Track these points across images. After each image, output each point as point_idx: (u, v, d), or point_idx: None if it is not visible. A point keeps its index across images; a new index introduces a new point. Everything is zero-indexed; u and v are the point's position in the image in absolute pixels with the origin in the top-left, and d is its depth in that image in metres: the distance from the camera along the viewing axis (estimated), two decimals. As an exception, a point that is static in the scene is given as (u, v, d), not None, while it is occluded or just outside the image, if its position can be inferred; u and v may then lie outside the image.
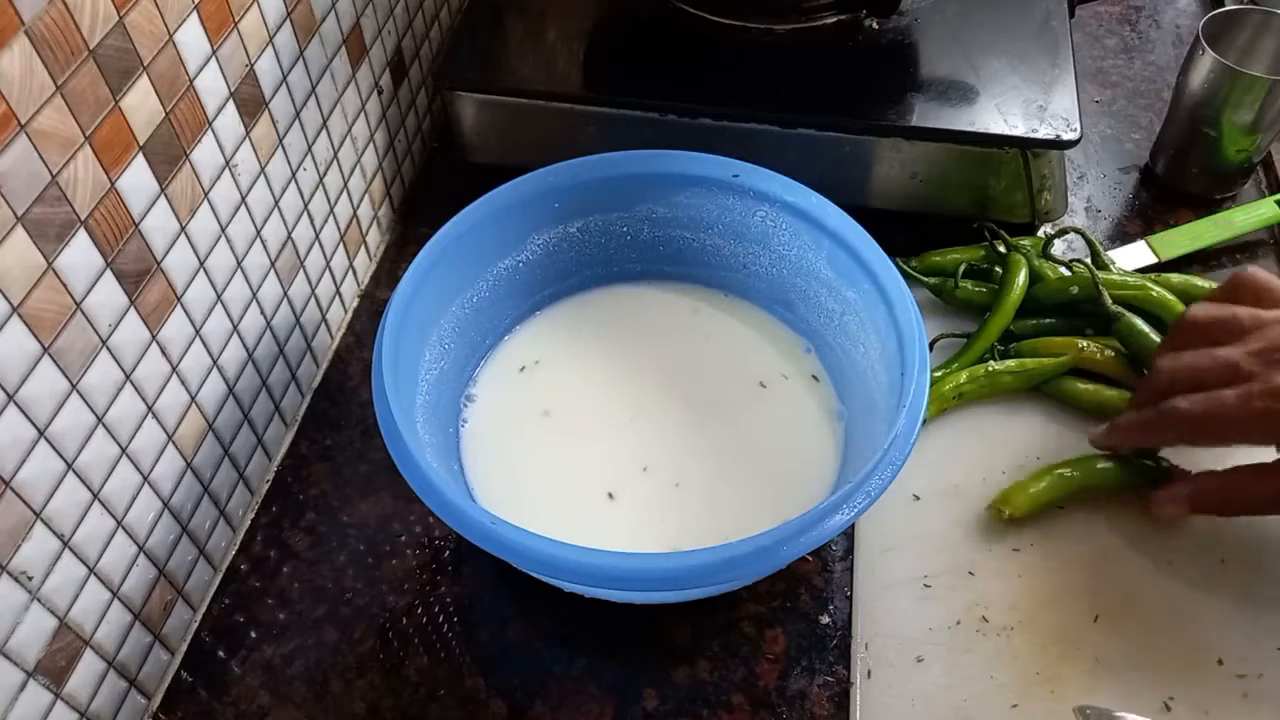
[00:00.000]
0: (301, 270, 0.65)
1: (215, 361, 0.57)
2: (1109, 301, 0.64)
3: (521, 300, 0.66)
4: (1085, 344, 0.64)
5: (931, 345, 0.64)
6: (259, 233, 0.59)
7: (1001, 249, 0.70)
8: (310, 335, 0.67)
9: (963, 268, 0.69)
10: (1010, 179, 0.71)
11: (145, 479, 0.52)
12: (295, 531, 0.62)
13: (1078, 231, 0.68)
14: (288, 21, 0.58)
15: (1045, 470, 0.60)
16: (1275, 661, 0.55)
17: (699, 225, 0.65)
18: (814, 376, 0.63)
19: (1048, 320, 0.67)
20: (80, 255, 0.45)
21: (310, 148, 0.63)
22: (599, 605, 0.56)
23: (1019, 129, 0.68)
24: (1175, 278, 0.67)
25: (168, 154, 0.50)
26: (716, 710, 0.55)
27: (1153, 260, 0.72)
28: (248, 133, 0.56)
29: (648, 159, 0.63)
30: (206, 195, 0.53)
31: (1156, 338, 0.63)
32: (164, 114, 0.49)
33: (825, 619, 0.58)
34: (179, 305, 0.53)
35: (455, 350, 0.61)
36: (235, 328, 0.58)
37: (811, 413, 0.62)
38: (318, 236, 0.66)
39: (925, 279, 0.69)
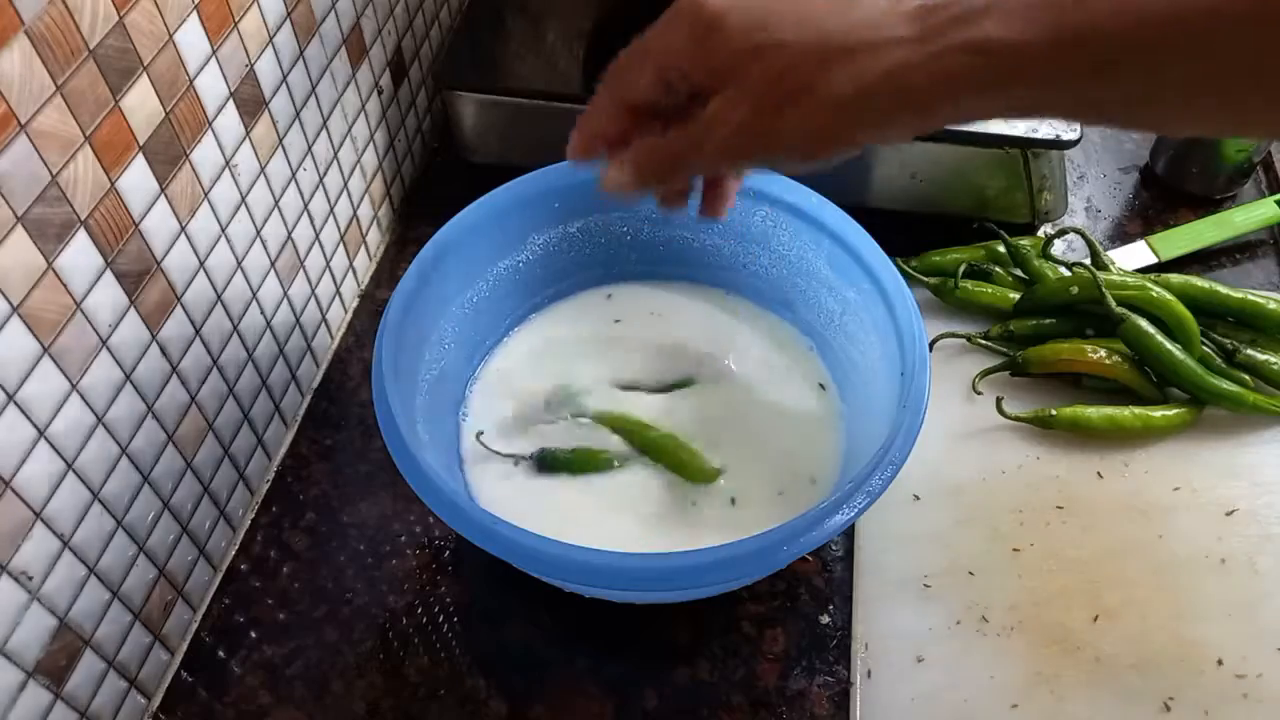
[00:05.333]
0: (301, 270, 0.65)
1: (215, 361, 0.57)
2: (1113, 304, 0.64)
3: (521, 300, 0.66)
4: (1090, 347, 0.64)
5: (931, 345, 0.64)
6: (259, 233, 0.59)
7: (1001, 249, 0.70)
8: (310, 335, 0.67)
9: (963, 268, 0.69)
10: (1010, 179, 0.71)
11: (145, 479, 0.52)
12: (295, 531, 0.62)
13: (1077, 232, 0.69)
14: (288, 21, 0.58)
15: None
16: (1275, 661, 0.55)
17: (699, 225, 0.65)
18: (817, 380, 0.63)
19: (1048, 320, 0.67)
20: (80, 255, 0.45)
21: (310, 148, 0.63)
22: (599, 605, 0.56)
23: (1019, 129, 0.68)
24: (1175, 278, 0.67)
25: (168, 154, 0.50)
26: (716, 710, 0.55)
27: (1153, 260, 0.72)
28: (248, 133, 0.56)
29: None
30: (206, 195, 0.53)
31: (1162, 339, 0.63)
32: (164, 114, 0.49)
33: (825, 619, 0.58)
34: (179, 305, 0.53)
35: (455, 350, 0.61)
36: (235, 328, 0.58)
37: (812, 412, 0.62)
38: (318, 236, 0.66)
39: (925, 279, 0.69)
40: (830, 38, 0.40)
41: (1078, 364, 0.64)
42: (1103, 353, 0.64)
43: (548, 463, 0.59)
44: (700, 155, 0.45)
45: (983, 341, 0.67)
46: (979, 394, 0.64)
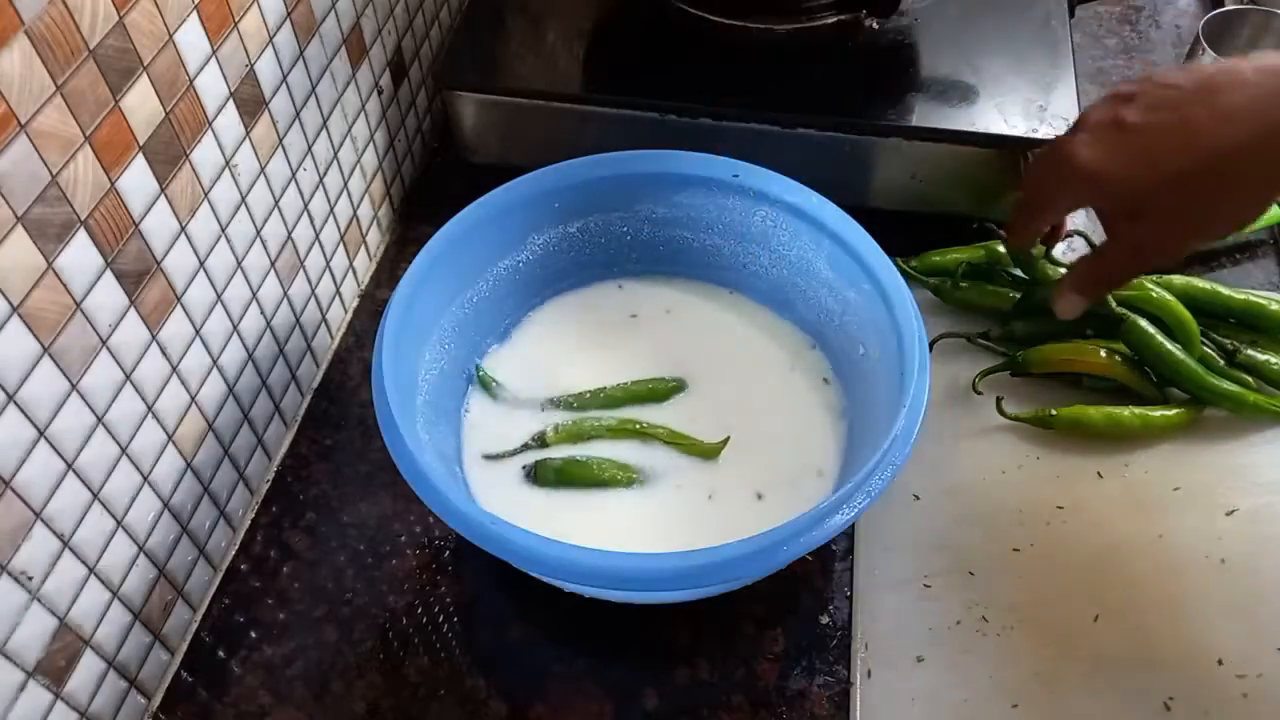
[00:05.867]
0: (301, 270, 0.65)
1: (215, 361, 0.57)
2: (1113, 304, 0.64)
3: (521, 300, 0.66)
4: (1091, 347, 0.64)
5: (931, 345, 0.64)
6: (259, 233, 0.59)
7: (1001, 248, 0.70)
8: (310, 335, 0.67)
9: (962, 268, 0.69)
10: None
11: (145, 479, 0.52)
12: (295, 531, 0.62)
13: (1079, 234, 0.69)
14: (288, 21, 0.58)
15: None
16: (1275, 661, 0.55)
17: (699, 225, 0.65)
18: (821, 377, 0.63)
19: (1048, 320, 0.66)
20: (80, 255, 0.45)
21: (310, 148, 0.63)
22: (599, 605, 0.56)
23: (1019, 129, 0.68)
24: (1177, 279, 0.67)
25: (168, 154, 0.50)
26: (716, 710, 0.55)
27: None
28: (248, 133, 0.56)
29: (648, 159, 0.63)
30: (206, 195, 0.53)
31: (1162, 339, 0.63)
32: (164, 114, 0.49)
33: (825, 619, 0.58)
34: (179, 305, 0.53)
35: (455, 350, 0.61)
36: (235, 328, 0.58)
37: (812, 412, 0.62)
38: (318, 236, 0.66)
39: (925, 278, 0.69)
40: (1217, 147, 0.46)
41: (1078, 364, 0.64)
42: (1103, 353, 0.64)
43: (548, 475, 0.59)
44: (1136, 273, 0.59)
45: (983, 342, 0.67)
46: (979, 394, 0.64)
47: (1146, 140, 0.49)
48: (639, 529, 0.57)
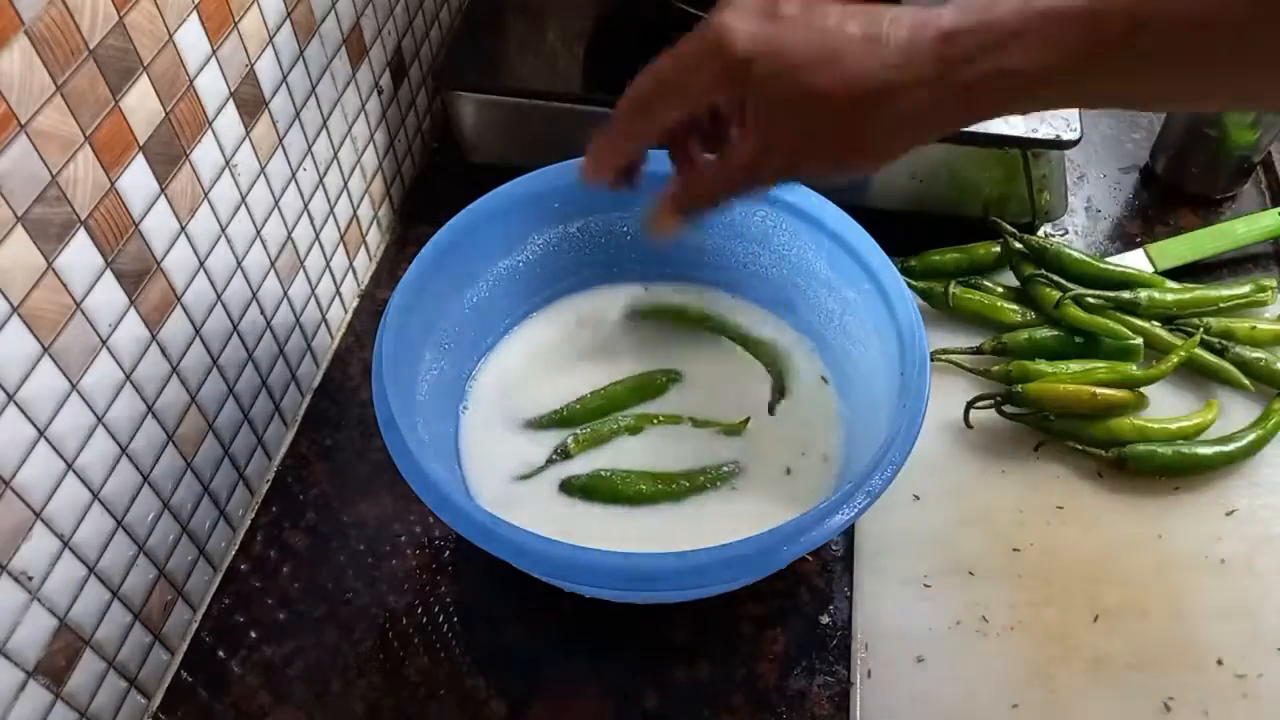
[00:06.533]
0: (301, 270, 0.65)
1: (215, 361, 0.57)
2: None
3: (521, 300, 0.66)
4: (1091, 388, 0.62)
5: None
6: (259, 233, 0.59)
7: (996, 248, 0.70)
8: (310, 335, 0.67)
9: (952, 285, 0.68)
10: (1010, 179, 0.71)
11: (145, 479, 0.52)
12: (295, 531, 0.62)
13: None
14: (288, 21, 0.58)
15: None
16: (1275, 661, 0.55)
17: (700, 225, 0.65)
18: (821, 377, 0.63)
19: (1043, 333, 0.66)
20: (80, 255, 0.45)
21: (310, 148, 0.63)
22: (599, 605, 0.56)
23: (1019, 129, 0.68)
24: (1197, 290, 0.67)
25: (168, 154, 0.50)
26: (716, 710, 0.55)
27: (1149, 270, 0.71)
28: (248, 133, 0.56)
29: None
30: (206, 195, 0.53)
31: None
32: (164, 114, 0.49)
33: (825, 619, 0.58)
34: (179, 305, 0.53)
35: (455, 350, 0.61)
36: (235, 328, 0.58)
37: (812, 411, 0.62)
38: (318, 236, 0.66)
39: (916, 284, 0.68)
40: (856, 83, 0.42)
41: (1080, 403, 0.62)
42: (1108, 390, 0.62)
43: (564, 486, 0.59)
44: (734, 193, 0.49)
45: (966, 365, 0.66)
46: (970, 427, 0.63)
47: (791, 43, 0.44)
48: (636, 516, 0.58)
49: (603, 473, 0.59)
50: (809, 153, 0.45)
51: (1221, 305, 0.67)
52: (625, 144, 0.51)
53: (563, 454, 0.60)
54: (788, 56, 0.43)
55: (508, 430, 0.62)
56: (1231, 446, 0.61)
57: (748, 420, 0.61)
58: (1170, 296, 0.67)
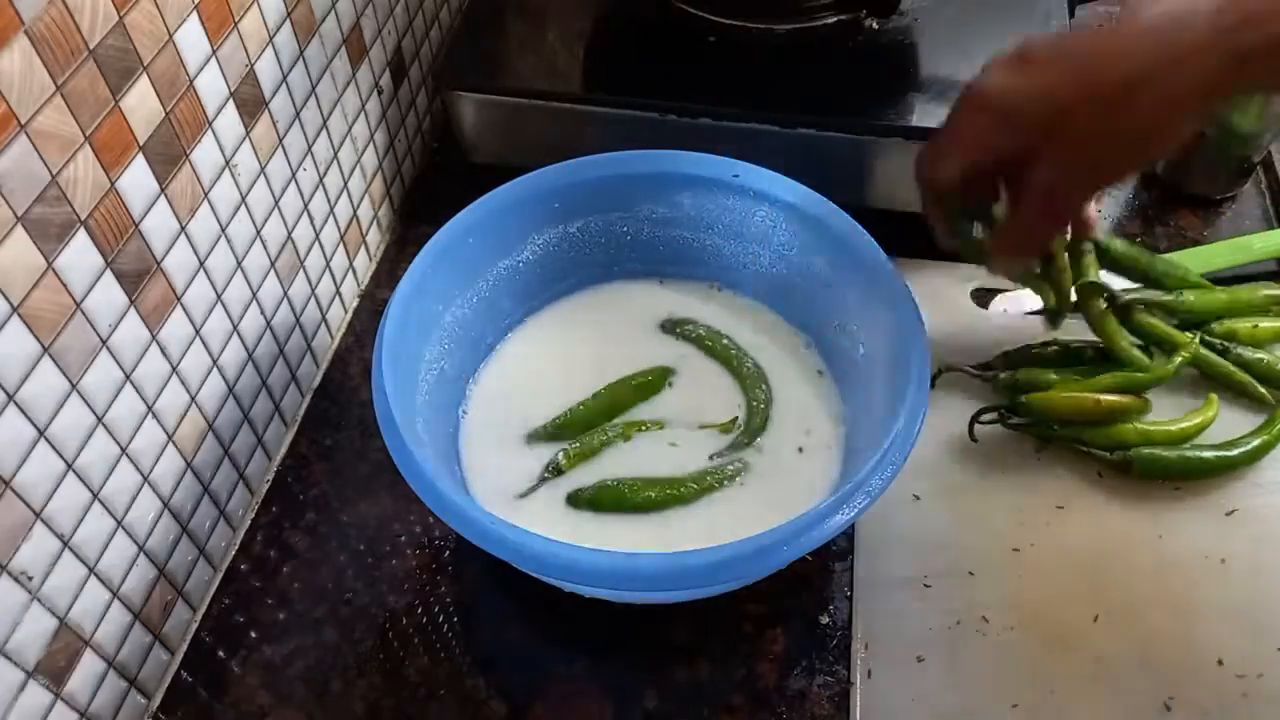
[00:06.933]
0: (301, 270, 0.65)
1: (215, 361, 0.57)
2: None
3: (521, 300, 0.66)
4: (1097, 396, 0.61)
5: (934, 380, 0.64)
6: (259, 233, 0.59)
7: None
8: (310, 335, 0.67)
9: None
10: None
11: (145, 479, 0.52)
12: (295, 531, 0.62)
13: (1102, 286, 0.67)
14: (288, 21, 0.58)
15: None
16: (1275, 661, 0.55)
17: (699, 225, 0.65)
18: (819, 372, 0.63)
19: (1044, 347, 0.65)
20: (80, 255, 0.45)
21: (310, 148, 0.63)
22: (599, 605, 0.56)
23: (1019, 129, 0.68)
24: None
25: (168, 154, 0.50)
26: (716, 710, 0.55)
27: None
28: (248, 133, 0.56)
29: (648, 159, 0.63)
30: (206, 195, 0.53)
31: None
32: (164, 114, 0.49)
33: (825, 619, 0.58)
34: (179, 305, 0.53)
35: (455, 350, 0.61)
36: (235, 328, 0.58)
37: (812, 411, 0.62)
38: (318, 236, 0.66)
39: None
40: (1128, 75, 0.46)
41: (1083, 412, 0.62)
42: (1113, 397, 0.61)
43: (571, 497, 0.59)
44: (1058, 223, 0.57)
45: (972, 371, 0.65)
46: (975, 441, 0.63)
47: (1045, 70, 0.49)
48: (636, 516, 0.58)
49: (609, 482, 0.58)
50: (1111, 159, 0.50)
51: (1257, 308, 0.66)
52: (944, 180, 0.56)
53: (555, 470, 0.59)
54: (1031, 92, 0.49)
55: (509, 438, 0.61)
56: (1235, 451, 0.61)
57: (735, 420, 0.61)
58: (1216, 298, 0.66)
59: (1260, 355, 0.64)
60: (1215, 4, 0.44)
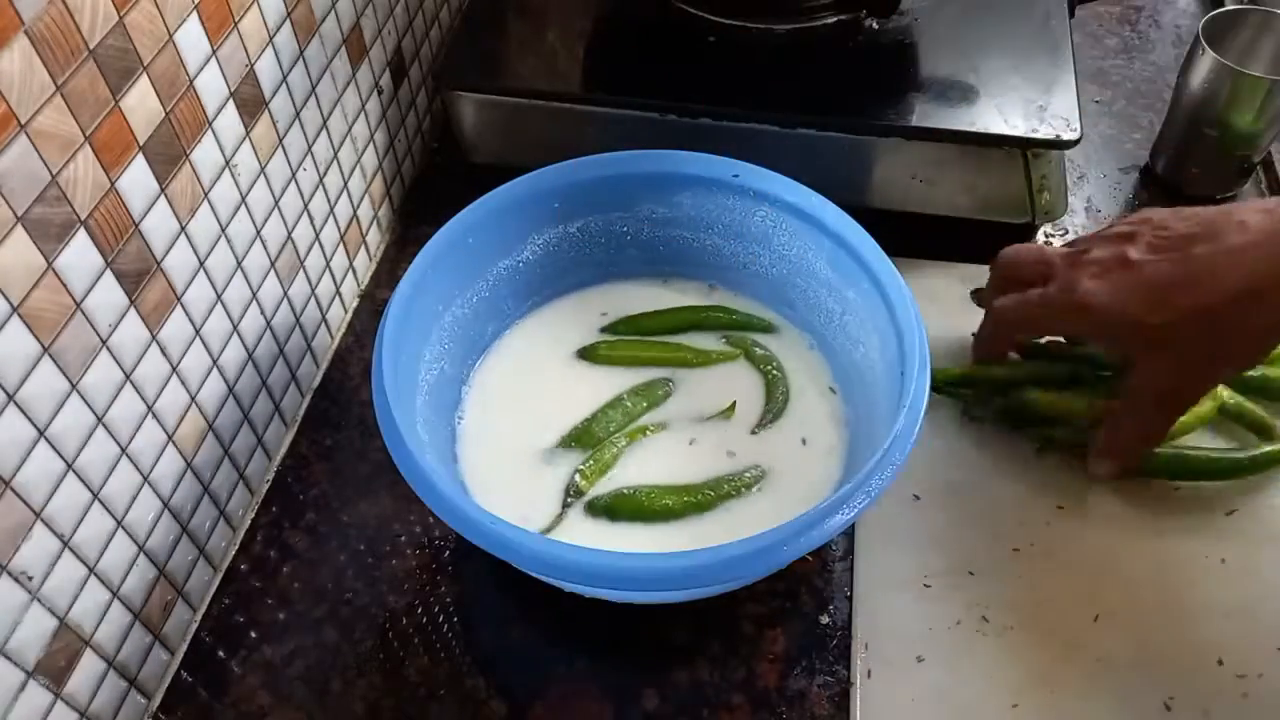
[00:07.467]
0: (301, 270, 0.65)
1: (215, 361, 0.57)
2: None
3: (521, 300, 0.66)
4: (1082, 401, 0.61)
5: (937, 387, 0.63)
6: (259, 233, 0.59)
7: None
8: (310, 335, 0.67)
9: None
10: (1010, 179, 0.71)
11: (145, 479, 0.52)
12: (295, 531, 0.62)
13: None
14: (288, 21, 0.58)
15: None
16: (1275, 661, 0.55)
17: (699, 225, 0.65)
18: (828, 385, 0.63)
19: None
20: (80, 255, 0.45)
21: (310, 148, 0.63)
22: (599, 605, 0.56)
23: (1019, 129, 0.68)
24: None
25: (168, 154, 0.50)
26: (716, 710, 0.55)
27: None
28: (248, 133, 0.56)
29: (648, 159, 0.63)
30: (206, 195, 0.53)
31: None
32: (164, 114, 0.49)
33: (825, 619, 0.58)
34: (179, 305, 0.53)
35: (455, 350, 0.61)
36: (235, 328, 0.58)
37: (812, 412, 0.62)
38: (318, 236, 0.66)
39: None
40: (1222, 287, 0.47)
41: (1078, 413, 0.62)
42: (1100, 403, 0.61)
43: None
44: (1165, 430, 0.56)
45: (955, 389, 0.64)
46: (975, 417, 0.63)
47: (1152, 277, 0.50)
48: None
49: (625, 491, 0.58)
50: (1216, 369, 0.51)
51: None
52: (1005, 348, 0.62)
53: (575, 493, 0.58)
54: (1137, 304, 0.50)
55: (518, 449, 0.61)
56: (1242, 455, 0.60)
57: (734, 405, 0.61)
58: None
59: (1260, 370, 0.62)
60: None
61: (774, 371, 0.63)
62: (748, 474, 0.59)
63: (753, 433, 0.61)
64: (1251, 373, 0.63)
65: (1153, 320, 0.50)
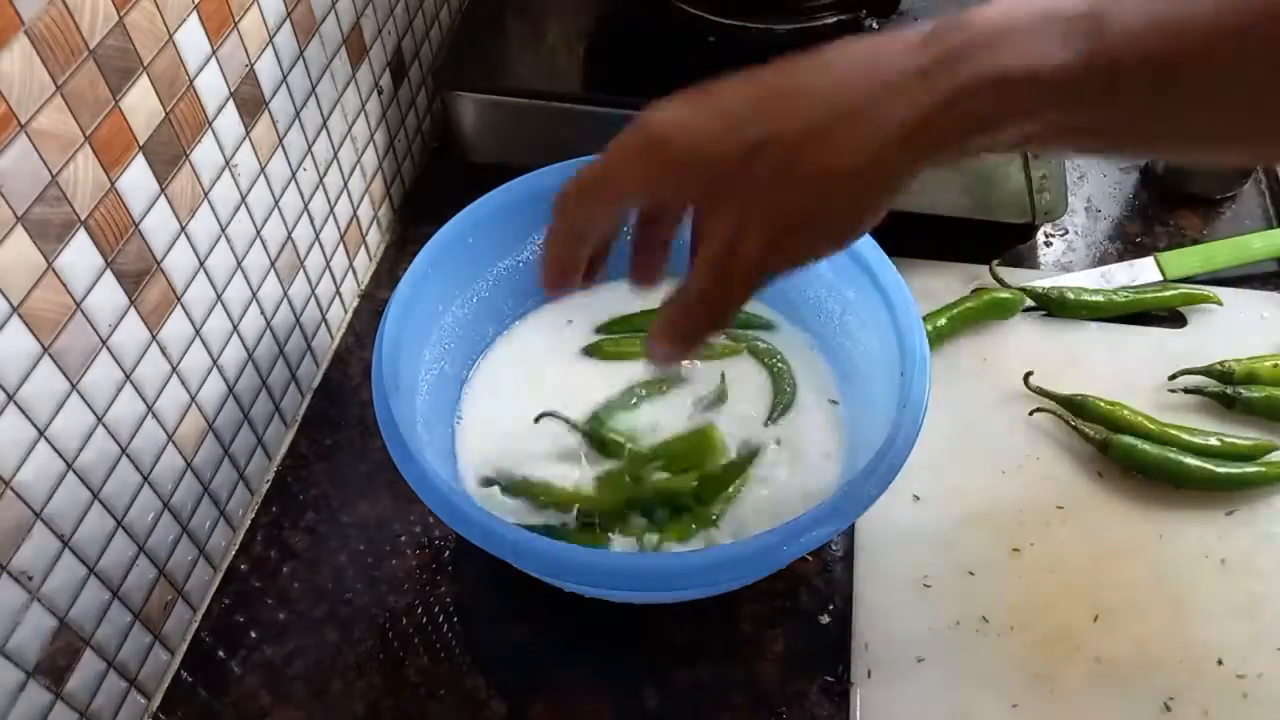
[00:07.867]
0: (301, 270, 0.65)
1: (215, 361, 0.57)
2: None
3: (521, 300, 0.66)
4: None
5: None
6: (259, 233, 0.59)
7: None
8: (310, 335, 0.67)
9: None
10: (1010, 179, 0.71)
11: (145, 479, 0.52)
12: (295, 531, 0.62)
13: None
14: (288, 21, 0.58)
15: None
16: (1275, 661, 0.55)
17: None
18: (817, 369, 0.63)
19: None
20: (80, 255, 0.45)
21: (310, 148, 0.63)
22: (599, 605, 0.56)
23: (1019, 129, 0.68)
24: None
25: (168, 154, 0.50)
26: (716, 710, 0.55)
27: (1158, 278, 0.71)
28: (248, 133, 0.56)
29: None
30: (206, 195, 0.53)
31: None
32: (164, 114, 0.49)
33: (825, 619, 0.58)
34: (179, 305, 0.53)
35: (455, 350, 0.61)
36: (235, 328, 0.58)
37: (811, 411, 0.62)
38: (318, 236, 0.66)
39: None
40: (826, 110, 0.37)
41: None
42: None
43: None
44: (734, 299, 0.41)
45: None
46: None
47: (729, 101, 0.39)
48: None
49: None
50: (797, 220, 0.39)
51: None
52: (570, 245, 0.46)
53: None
54: (728, 112, 0.39)
55: (508, 429, 0.61)
56: (1249, 468, 0.61)
57: (724, 376, 0.62)
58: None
59: (1266, 393, 0.62)
60: (920, 37, 0.36)
61: (779, 365, 0.63)
62: (754, 472, 0.59)
63: (765, 425, 0.61)
64: (1255, 393, 0.63)
65: (722, 147, 0.39)
